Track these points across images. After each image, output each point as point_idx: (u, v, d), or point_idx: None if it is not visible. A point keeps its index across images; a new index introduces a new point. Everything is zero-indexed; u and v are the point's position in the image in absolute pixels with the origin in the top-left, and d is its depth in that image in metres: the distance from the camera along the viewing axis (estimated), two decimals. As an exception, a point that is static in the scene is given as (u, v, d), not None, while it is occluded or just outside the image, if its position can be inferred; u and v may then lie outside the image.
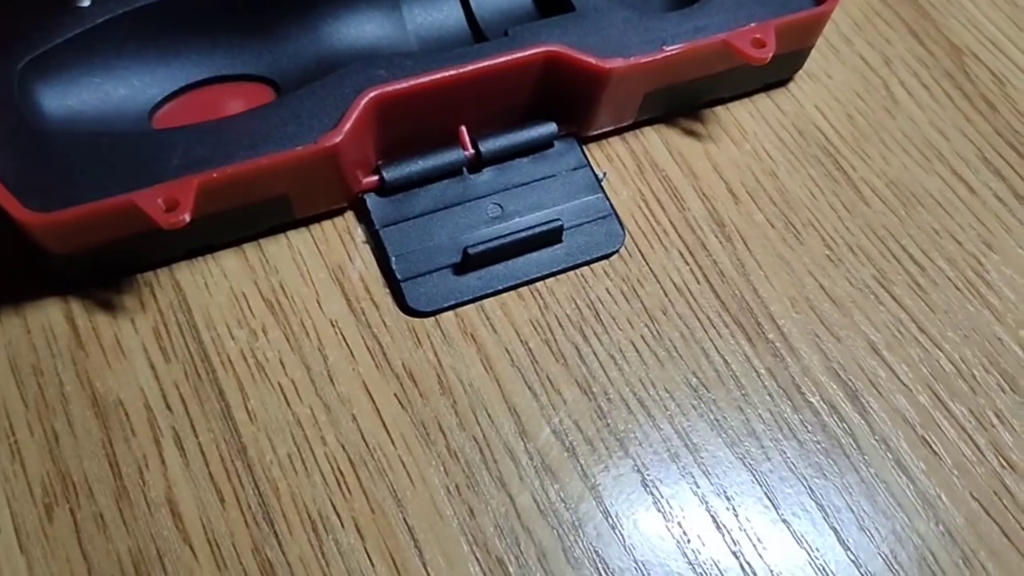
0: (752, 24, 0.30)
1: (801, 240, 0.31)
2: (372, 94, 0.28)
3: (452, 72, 0.28)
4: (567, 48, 0.29)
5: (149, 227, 0.26)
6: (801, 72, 0.34)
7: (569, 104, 0.31)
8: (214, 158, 0.27)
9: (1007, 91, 0.35)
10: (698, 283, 0.30)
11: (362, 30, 0.32)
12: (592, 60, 0.29)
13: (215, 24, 0.31)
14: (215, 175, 0.26)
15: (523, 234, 0.29)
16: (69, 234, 0.26)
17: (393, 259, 0.29)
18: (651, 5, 0.33)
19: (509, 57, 0.29)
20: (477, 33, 0.33)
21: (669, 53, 0.30)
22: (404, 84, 0.28)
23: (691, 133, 0.33)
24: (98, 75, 0.30)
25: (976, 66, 0.35)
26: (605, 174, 0.31)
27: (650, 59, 0.29)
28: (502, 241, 0.29)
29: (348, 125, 0.27)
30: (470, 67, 0.29)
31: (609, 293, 0.29)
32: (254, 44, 0.31)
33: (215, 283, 0.28)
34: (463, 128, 0.30)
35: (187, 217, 0.25)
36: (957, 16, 0.36)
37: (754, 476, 0.27)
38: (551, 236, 0.29)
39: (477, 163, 0.30)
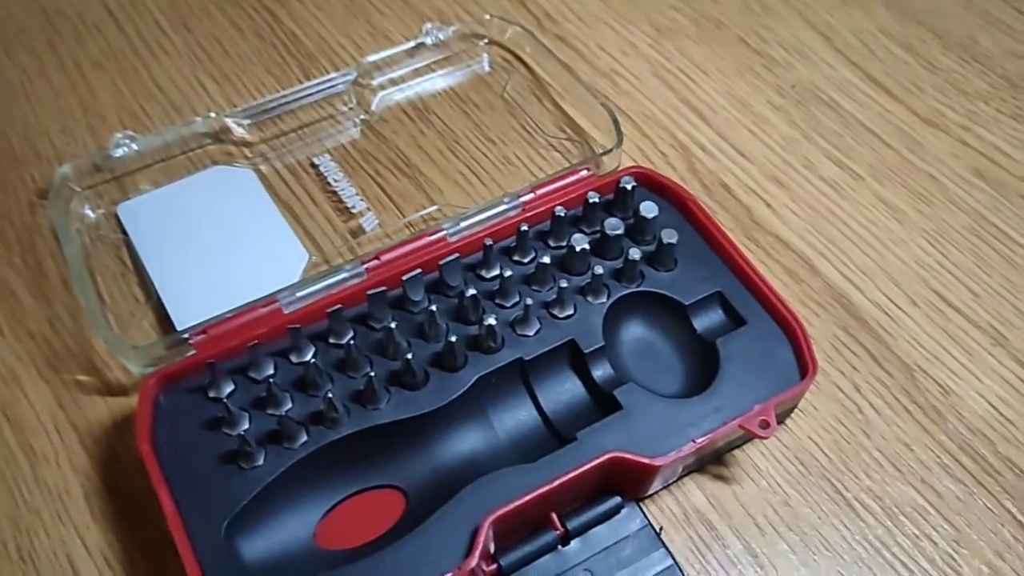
0: (757, 406, 0.41)
1: (818, 561, 0.41)
2: (491, 518, 0.38)
3: (546, 487, 0.38)
4: (623, 452, 0.39)
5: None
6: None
7: (628, 483, 0.41)
8: (384, 588, 0.37)
9: (951, 400, 0.45)
10: (746, 614, 0.39)
11: (464, 439, 0.42)
12: (644, 460, 0.39)
13: (356, 455, 0.41)
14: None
15: (614, 602, 0.39)
16: None
17: (520, 637, 0.38)
18: (671, 381, 0.44)
19: (584, 467, 0.39)
20: (548, 423, 0.43)
21: (700, 444, 0.40)
22: (514, 504, 0.38)
23: (720, 478, 0.43)
24: (276, 516, 0.40)
25: (924, 379, 0.46)
26: (662, 528, 0.41)
27: (686, 452, 0.39)
28: (601, 610, 0.39)
29: (479, 549, 0.37)
30: (558, 481, 0.38)
31: (681, 636, 0.39)
32: (383, 462, 0.41)
33: (391, 674, 0.38)
34: (553, 514, 0.40)
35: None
36: (904, 336, 0.47)
37: None
38: (634, 599, 0.39)
39: (566, 538, 0.40)
